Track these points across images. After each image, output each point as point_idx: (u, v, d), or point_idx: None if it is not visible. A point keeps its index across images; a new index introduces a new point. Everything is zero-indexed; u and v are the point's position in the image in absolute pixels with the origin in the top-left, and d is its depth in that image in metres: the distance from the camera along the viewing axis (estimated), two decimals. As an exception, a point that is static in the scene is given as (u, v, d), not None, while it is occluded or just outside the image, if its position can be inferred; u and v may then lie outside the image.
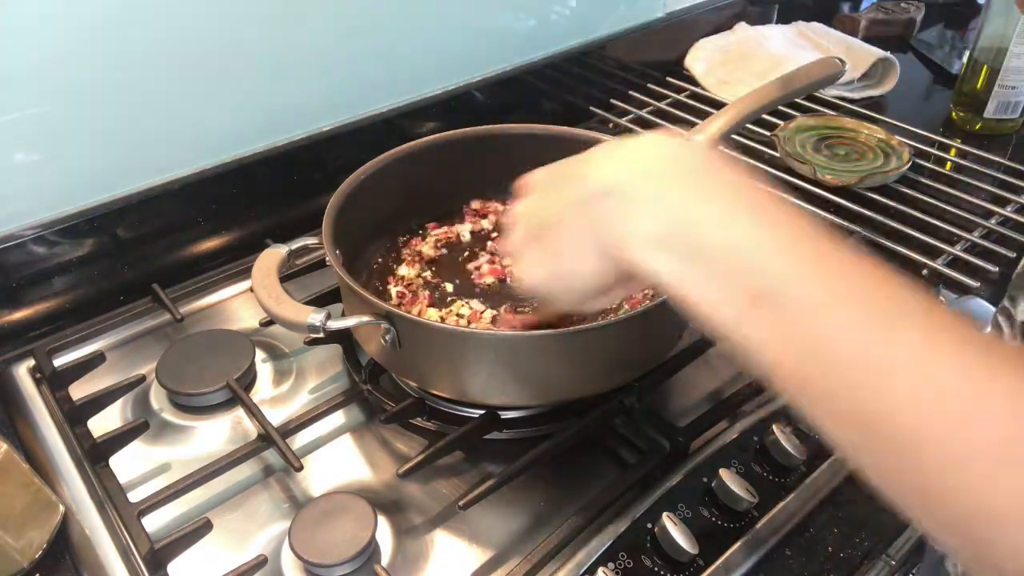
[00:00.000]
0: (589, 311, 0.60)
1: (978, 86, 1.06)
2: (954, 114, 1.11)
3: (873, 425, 0.30)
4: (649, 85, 1.17)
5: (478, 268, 0.76)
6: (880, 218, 0.88)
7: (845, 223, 0.87)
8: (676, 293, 0.36)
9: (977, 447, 0.28)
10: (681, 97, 1.15)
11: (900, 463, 0.30)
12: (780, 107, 0.98)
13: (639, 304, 0.70)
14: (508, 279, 0.74)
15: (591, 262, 0.40)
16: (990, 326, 0.57)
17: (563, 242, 0.41)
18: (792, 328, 0.32)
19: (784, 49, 1.22)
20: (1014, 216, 0.89)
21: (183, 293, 0.81)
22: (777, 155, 0.99)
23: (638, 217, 0.36)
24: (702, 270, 0.34)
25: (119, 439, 0.63)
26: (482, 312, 0.70)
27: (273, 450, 0.62)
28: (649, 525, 0.56)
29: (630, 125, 1.08)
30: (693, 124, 0.82)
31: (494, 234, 0.80)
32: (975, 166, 0.99)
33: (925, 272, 0.81)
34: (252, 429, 0.66)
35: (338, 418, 0.68)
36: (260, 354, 0.73)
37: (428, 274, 0.76)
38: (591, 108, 1.11)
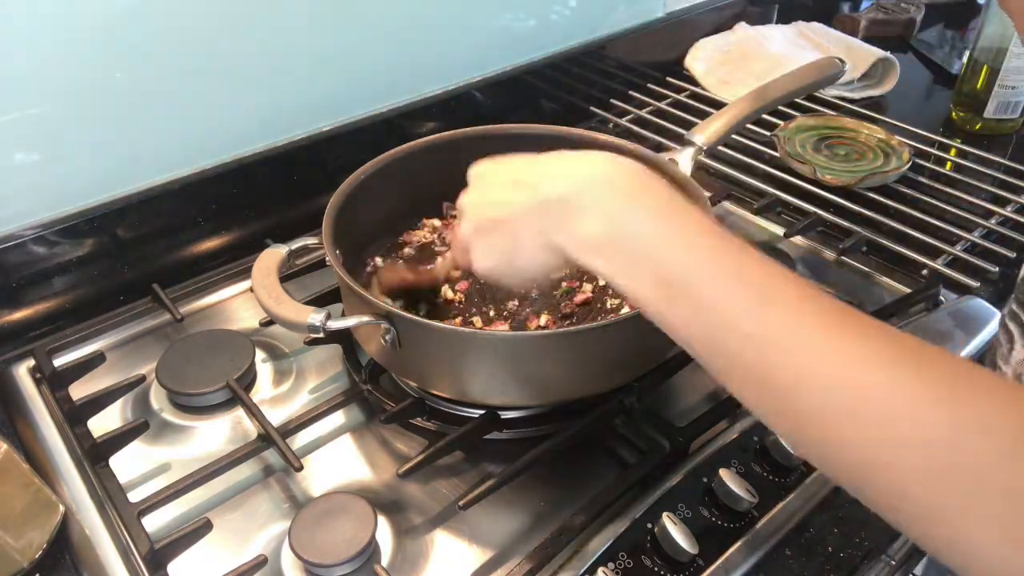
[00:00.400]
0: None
1: (978, 86, 1.06)
2: (954, 114, 1.11)
3: (750, 377, 0.39)
4: (649, 85, 1.17)
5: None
6: (880, 218, 0.88)
7: (845, 223, 0.87)
8: (610, 281, 0.44)
9: (832, 385, 0.35)
10: (681, 97, 1.15)
11: (778, 404, 0.38)
12: (780, 107, 0.99)
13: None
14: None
15: (540, 257, 0.47)
16: (998, 331, 0.57)
17: (515, 240, 0.48)
18: (687, 307, 0.40)
19: (784, 49, 1.22)
20: (1014, 216, 0.89)
21: (183, 293, 0.81)
22: (777, 155, 0.99)
23: (582, 222, 0.44)
24: (626, 262, 0.43)
25: (119, 439, 0.63)
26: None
27: (273, 450, 0.62)
28: (649, 525, 0.56)
29: (630, 125, 1.08)
30: (693, 124, 0.82)
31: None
32: (975, 166, 0.99)
33: (925, 272, 0.81)
34: (252, 429, 0.66)
35: (338, 418, 0.67)
36: (260, 354, 0.73)
37: None
38: (591, 108, 1.12)
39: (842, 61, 0.77)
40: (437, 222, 0.81)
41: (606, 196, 0.44)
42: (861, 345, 0.36)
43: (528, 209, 0.46)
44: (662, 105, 1.12)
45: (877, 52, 1.16)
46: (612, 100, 1.13)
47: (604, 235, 0.43)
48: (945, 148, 1.04)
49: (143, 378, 0.68)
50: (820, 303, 0.38)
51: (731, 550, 0.56)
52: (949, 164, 1.01)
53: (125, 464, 0.63)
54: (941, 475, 0.33)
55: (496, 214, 0.49)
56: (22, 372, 0.71)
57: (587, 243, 0.44)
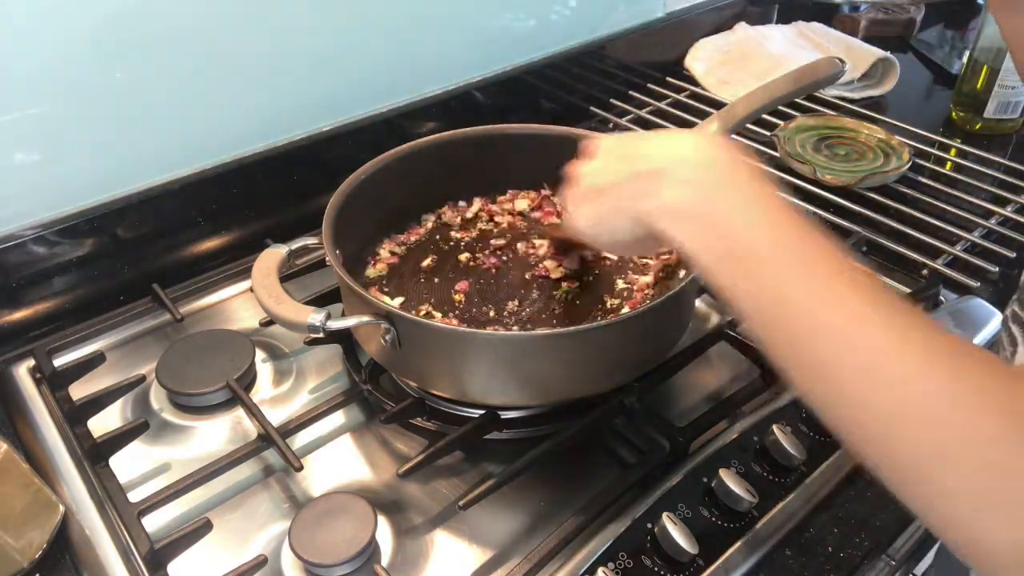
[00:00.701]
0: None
1: (978, 86, 1.06)
2: (954, 114, 1.11)
3: (810, 362, 0.40)
4: (649, 85, 1.17)
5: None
6: (880, 218, 0.88)
7: (845, 223, 0.86)
8: (685, 252, 0.47)
9: (896, 384, 0.36)
10: (681, 97, 1.15)
11: (837, 391, 0.39)
12: (780, 107, 0.99)
13: (639, 304, 0.70)
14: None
15: (626, 223, 0.51)
16: (1001, 333, 0.57)
17: (611, 203, 0.52)
18: (754, 281, 0.42)
19: (784, 49, 1.22)
20: (1014, 216, 0.89)
21: (183, 293, 0.81)
22: (777, 155, 0.99)
23: (667, 190, 0.47)
24: (703, 236, 0.45)
25: (119, 439, 0.63)
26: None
27: (273, 450, 0.62)
28: (649, 525, 0.56)
29: (630, 125, 1.08)
30: (693, 124, 0.82)
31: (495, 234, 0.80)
32: (975, 166, 0.99)
33: (925, 272, 0.81)
34: (252, 429, 0.66)
35: (338, 418, 0.68)
36: (260, 354, 0.73)
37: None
38: (591, 108, 1.11)
39: (842, 61, 0.76)
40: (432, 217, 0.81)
41: (696, 171, 0.47)
42: (925, 348, 0.37)
43: (623, 180, 0.50)
44: (662, 105, 1.12)
45: (877, 52, 1.16)
46: (612, 100, 1.13)
47: (684, 202, 0.46)
48: (945, 148, 1.04)
49: (143, 378, 0.68)
50: (878, 293, 0.39)
51: (731, 550, 0.56)
52: (949, 164, 1.01)
53: (125, 464, 0.63)
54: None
55: (600, 181, 0.53)
56: (22, 372, 0.71)
57: (667, 208, 0.47)
